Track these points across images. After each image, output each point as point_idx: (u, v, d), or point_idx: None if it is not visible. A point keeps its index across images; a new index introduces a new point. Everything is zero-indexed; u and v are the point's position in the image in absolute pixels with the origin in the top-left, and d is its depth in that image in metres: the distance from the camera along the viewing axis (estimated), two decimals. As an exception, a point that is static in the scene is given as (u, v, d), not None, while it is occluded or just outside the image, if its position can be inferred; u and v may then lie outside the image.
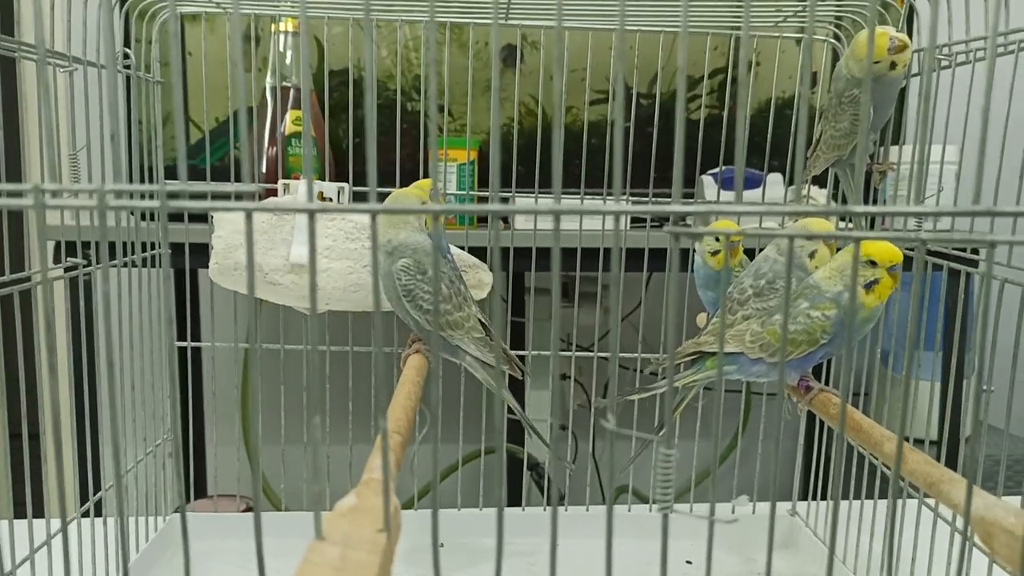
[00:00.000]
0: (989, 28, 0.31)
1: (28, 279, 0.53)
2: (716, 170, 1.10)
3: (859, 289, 0.52)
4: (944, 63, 0.61)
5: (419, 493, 1.30)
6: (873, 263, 0.51)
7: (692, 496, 0.80)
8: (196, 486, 1.27)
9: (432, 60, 0.28)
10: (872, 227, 0.79)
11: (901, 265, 0.52)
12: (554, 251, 0.27)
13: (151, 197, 0.27)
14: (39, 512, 0.54)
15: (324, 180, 0.78)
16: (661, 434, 0.30)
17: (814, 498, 0.77)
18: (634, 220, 1.11)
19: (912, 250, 0.60)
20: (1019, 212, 0.28)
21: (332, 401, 0.75)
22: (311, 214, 0.28)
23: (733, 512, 0.79)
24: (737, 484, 0.85)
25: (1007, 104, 0.57)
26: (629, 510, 0.81)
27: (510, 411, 0.70)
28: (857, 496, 0.68)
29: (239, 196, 0.28)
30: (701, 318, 0.72)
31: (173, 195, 0.27)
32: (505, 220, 1.19)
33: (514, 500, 1.29)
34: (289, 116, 1.06)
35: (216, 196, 0.29)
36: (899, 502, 0.59)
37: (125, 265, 0.64)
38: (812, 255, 0.59)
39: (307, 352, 0.75)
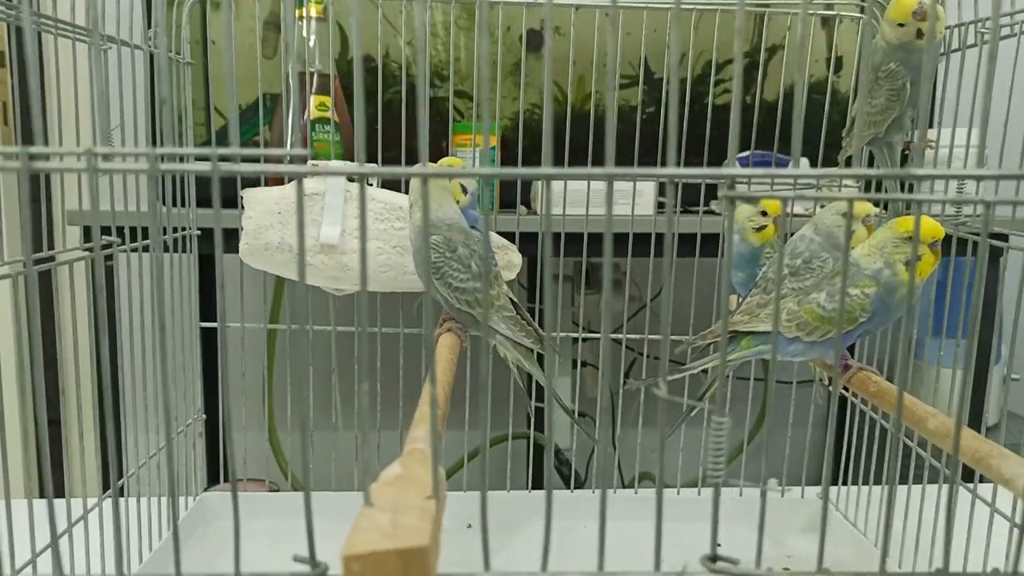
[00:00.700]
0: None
1: (53, 259, 0.53)
2: (745, 154, 1.09)
3: (899, 266, 0.51)
4: (954, 45, 0.60)
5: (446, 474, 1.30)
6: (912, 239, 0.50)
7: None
8: (223, 469, 1.28)
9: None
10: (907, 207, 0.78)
11: (940, 241, 0.51)
12: (607, 216, 0.27)
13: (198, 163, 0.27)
14: (60, 493, 0.54)
15: (352, 163, 0.78)
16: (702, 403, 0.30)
17: (844, 483, 0.76)
18: (660, 205, 1.10)
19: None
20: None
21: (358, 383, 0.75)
22: (363, 178, 0.28)
23: (763, 495, 0.78)
24: (766, 467, 0.84)
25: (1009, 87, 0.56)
26: (636, 493, 0.81)
27: (538, 397, 0.70)
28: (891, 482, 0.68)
29: (291, 160, 0.27)
30: (732, 300, 0.71)
31: (224, 158, 0.27)
32: (527, 205, 1.19)
33: (536, 486, 1.29)
34: (313, 101, 1.06)
35: (268, 160, 0.28)
36: (946, 486, 0.58)
37: (150, 249, 0.64)
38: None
39: (356, 324, 0.75)
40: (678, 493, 0.82)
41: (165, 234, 0.66)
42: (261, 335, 1.33)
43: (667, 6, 0.76)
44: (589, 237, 0.80)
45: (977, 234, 0.61)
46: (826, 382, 0.65)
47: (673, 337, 0.79)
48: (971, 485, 0.55)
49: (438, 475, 0.31)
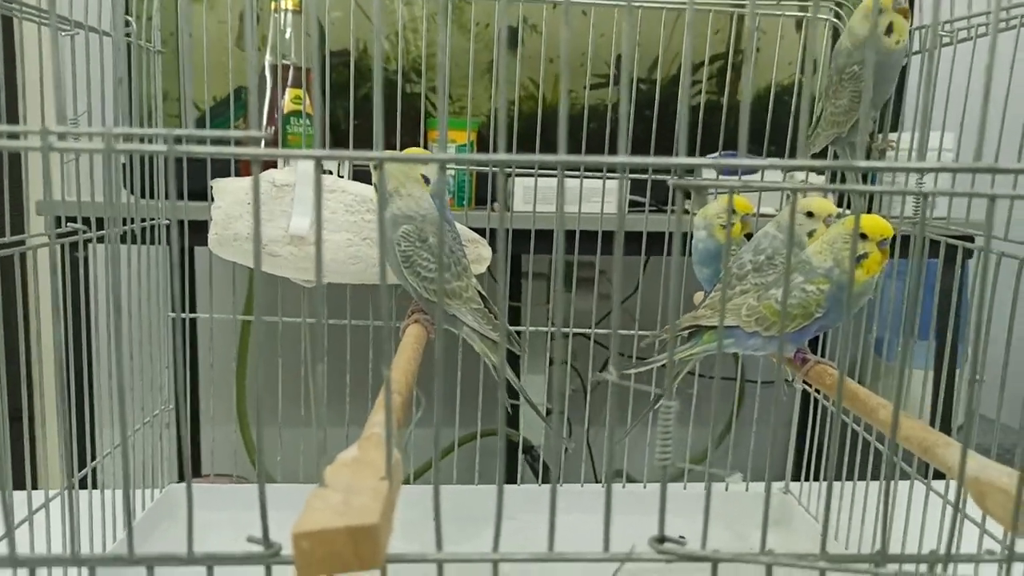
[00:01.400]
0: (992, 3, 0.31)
1: (23, 243, 0.53)
2: (715, 154, 1.11)
3: (847, 263, 0.52)
4: (946, 40, 0.61)
5: (416, 472, 1.31)
6: (864, 236, 0.51)
7: (686, 476, 0.80)
8: (192, 464, 1.27)
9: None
10: (870, 204, 0.79)
11: (890, 240, 0.52)
12: (558, 198, 0.27)
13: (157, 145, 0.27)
14: (32, 486, 0.54)
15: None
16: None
17: (807, 478, 0.77)
18: (632, 204, 1.11)
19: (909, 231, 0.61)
20: (1021, 169, 0.29)
21: (328, 377, 0.75)
22: (317, 161, 0.28)
23: (727, 489, 0.80)
24: (731, 464, 0.85)
25: (1007, 82, 0.57)
26: (624, 487, 0.82)
27: (509, 394, 0.70)
28: (851, 477, 0.69)
29: (237, 143, 0.28)
30: (698, 297, 0.72)
31: (178, 139, 0.27)
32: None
33: (509, 482, 1.30)
34: (288, 94, 1.06)
35: (221, 142, 0.29)
36: (893, 479, 0.59)
37: (124, 240, 0.64)
38: (811, 235, 0.59)
39: (309, 309, 0.75)
40: (644, 487, 0.82)
41: (132, 224, 0.66)
42: (234, 326, 1.32)
43: (646, 5, 0.77)
44: (570, 235, 0.80)
45: (948, 236, 0.62)
46: (789, 379, 0.66)
47: (641, 332, 0.80)
48: (932, 481, 0.56)
49: (392, 457, 0.31)
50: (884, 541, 0.30)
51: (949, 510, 0.53)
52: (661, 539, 0.31)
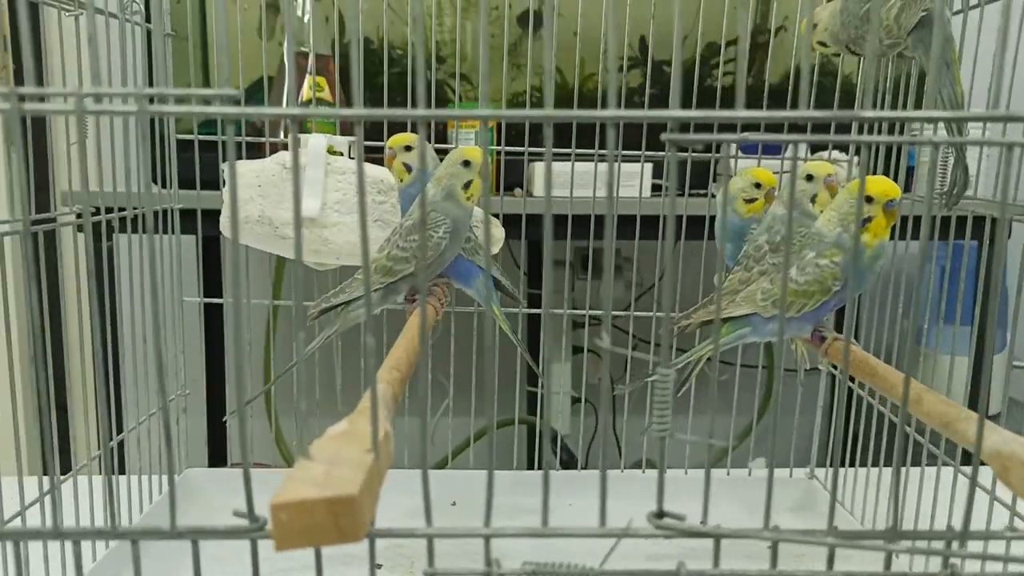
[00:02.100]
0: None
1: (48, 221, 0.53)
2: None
3: (853, 227, 0.50)
4: (974, 2, 0.58)
5: (442, 460, 1.31)
6: (869, 199, 0.49)
7: (708, 463, 0.78)
8: (218, 452, 1.28)
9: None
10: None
11: (898, 201, 0.49)
12: (547, 156, 0.26)
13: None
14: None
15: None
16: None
17: (831, 464, 0.75)
18: (656, 188, 1.09)
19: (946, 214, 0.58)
20: None
21: (345, 362, 0.75)
22: (294, 120, 0.27)
23: (750, 474, 0.78)
24: (756, 450, 0.83)
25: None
26: (643, 472, 0.80)
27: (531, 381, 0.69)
28: (877, 462, 0.67)
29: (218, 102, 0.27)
30: (719, 278, 0.70)
31: (152, 99, 0.26)
32: (523, 187, 1.18)
33: (532, 467, 1.29)
34: (306, 82, 1.05)
35: (200, 101, 0.28)
36: (906, 452, 0.57)
37: (137, 227, 0.65)
38: (813, 200, 0.57)
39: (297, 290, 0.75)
40: (686, 473, 0.80)
41: (142, 209, 0.66)
42: (264, 313, 1.33)
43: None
44: (587, 220, 0.79)
45: (979, 216, 0.59)
46: (807, 366, 0.64)
47: (658, 314, 0.79)
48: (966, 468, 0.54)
49: (380, 431, 0.30)
50: (896, 517, 0.29)
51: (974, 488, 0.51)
52: (660, 514, 0.30)
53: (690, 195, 0.84)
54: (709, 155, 1.09)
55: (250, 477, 0.29)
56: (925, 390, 0.40)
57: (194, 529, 0.29)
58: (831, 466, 0.75)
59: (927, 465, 0.58)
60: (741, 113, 0.27)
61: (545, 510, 0.30)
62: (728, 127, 0.57)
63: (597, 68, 1.29)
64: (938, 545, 0.29)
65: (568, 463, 1.37)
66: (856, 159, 0.86)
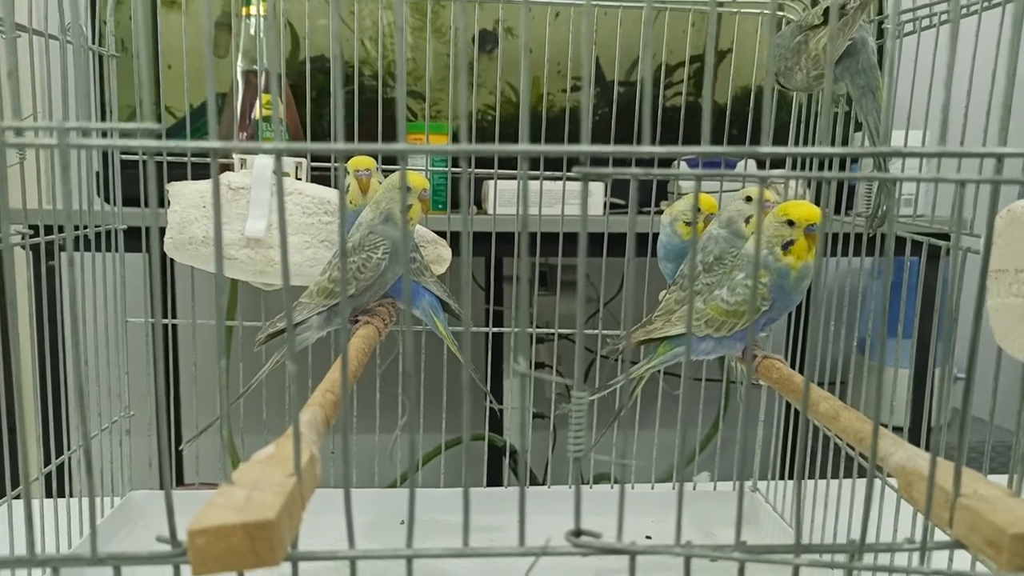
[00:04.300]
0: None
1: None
2: (691, 154, 1.10)
3: (777, 250, 0.52)
4: (908, 29, 0.61)
5: (400, 478, 1.30)
6: (791, 223, 0.51)
7: (653, 475, 0.80)
8: (175, 473, 1.26)
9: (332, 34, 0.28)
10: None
11: (819, 225, 0.51)
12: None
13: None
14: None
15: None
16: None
17: (773, 477, 0.77)
18: (614, 206, 1.11)
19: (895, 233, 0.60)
20: (988, 153, 0.28)
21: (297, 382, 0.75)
22: (216, 153, 0.28)
23: (695, 488, 0.79)
24: (700, 464, 0.85)
25: (970, 68, 0.56)
26: (591, 488, 0.81)
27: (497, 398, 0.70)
28: (822, 476, 0.68)
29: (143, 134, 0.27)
30: (663, 294, 0.72)
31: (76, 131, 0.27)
32: (478, 204, 1.19)
33: (495, 484, 1.29)
34: (261, 100, 1.05)
35: (124, 135, 0.28)
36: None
37: (79, 245, 0.64)
38: (748, 220, 0.59)
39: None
40: (632, 487, 0.81)
41: (85, 229, 0.66)
42: (214, 332, 1.31)
43: (616, 5, 0.77)
44: (544, 237, 0.80)
45: (918, 234, 0.60)
46: (743, 368, 0.65)
47: (604, 332, 0.80)
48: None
49: (303, 454, 0.30)
50: (798, 531, 0.30)
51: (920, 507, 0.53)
52: (577, 532, 0.30)
53: (639, 212, 0.86)
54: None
55: (172, 503, 0.29)
56: (843, 407, 0.41)
57: (116, 556, 0.29)
58: (772, 479, 0.77)
59: (858, 478, 0.60)
60: (645, 149, 0.28)
61: (466, 531, 0.31)
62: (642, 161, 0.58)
63: (557, 88, 1.31)
64: (841, 558, 0.30)
65: (531, 480, 1.37)
66: (794, 183, 0.89)
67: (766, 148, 0.27)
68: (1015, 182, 0.27)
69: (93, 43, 0.67)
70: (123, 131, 0.28)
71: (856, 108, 0.58)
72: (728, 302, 0.54)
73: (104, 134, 0.28)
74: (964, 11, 0.57)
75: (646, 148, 0.28)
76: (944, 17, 0.60)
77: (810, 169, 0.73)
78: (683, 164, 1.12)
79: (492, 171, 0.80)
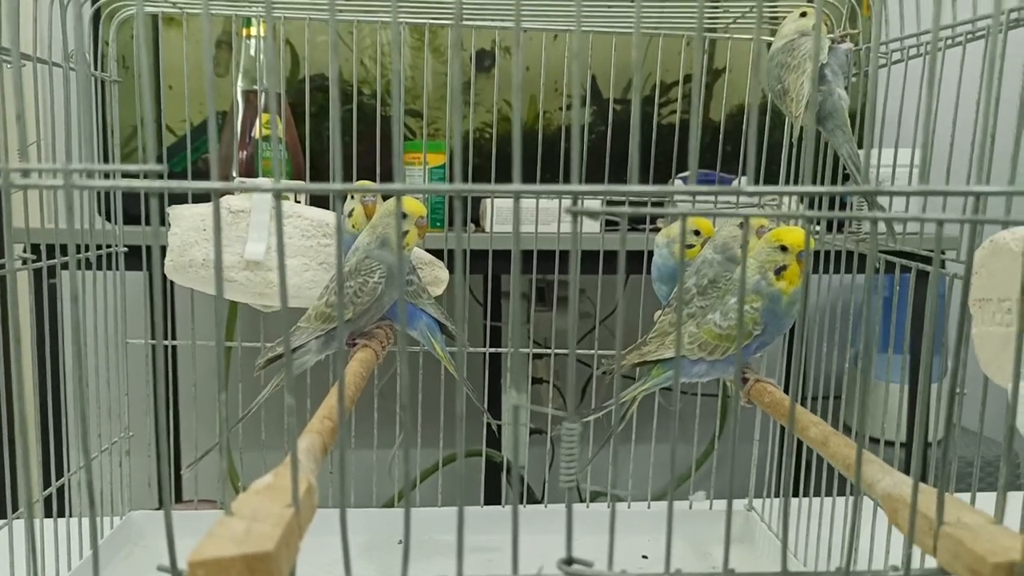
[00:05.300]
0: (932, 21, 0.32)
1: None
2: (686, 173, 1.11)
3: (770, 275, 0.53)
4: (896, 57, 0.62)
5: (398, 495, 1.30)
6: (784, 248, 0.52)
7: (650, 492, 0.80)
8: (175, 490, 1.27)
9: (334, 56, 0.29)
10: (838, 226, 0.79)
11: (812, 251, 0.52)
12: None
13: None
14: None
15: (290, 181, 0.78)
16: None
17: (769, 495, 0.77)
18: (609, 223, 1.12)
19: (888, 252, 0.61)
20: (969, 191, 0.29)
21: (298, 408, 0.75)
22: (215, 194, 0.29)
23: (691, 507, 0.80)
24: (696, 482, 0.85)
25: (955, 98, 0.58)
26: (587, 507, 0.82)
27: (495, 415, 0.71)
28: (817, 493, 0.69)
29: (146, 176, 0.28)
30: (658, 314, 0.73)
31: (79, 172, 0.28)
32: (476, 222, 1.20)
33: (492, 503, 1.30)
34: (261, 119, 1.06)
35: (127, 175, 0.29)
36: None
37: (80, 266, 0.65)
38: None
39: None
40: (629, 507, 0.81)
41: (88, 251, 0.66)
42: (214, 353, 1.32)
43: (612, 31, 0.78)
44: (541, 255, 0.81)
45: (908, 255, 0.62)
46: (736, 391, 0.66)
47: (601, 352, 0.81)
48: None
49: (299, 484, 0.31)
50: (784, 558, 0.30)
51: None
52: (569, 560, 0.31)
53: (634, 230, 0.87)
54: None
55: (172, 532, 0.30)
56: (832, 433, 0.42)
57: (117, 585, 0.30)
58: (768, 497, 0.77)
59: (851, 495, 0.61)
60: (636, 188, 0.29)
61: (460, 561, 0.31)
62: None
63: (553, 107, 1.32)
64: (827, 586, 0.31)
65: (530, 497, 1.38)
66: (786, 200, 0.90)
67: (752, 188, 0.28)
68: (993, 222, 0.28)
69: (96, 69, 0.68)
70: (126, 172, 0.28)
71: (830, 142, 0.60)
72: (721, 326, 0.54)
73: (107, 175, 0.29)
74: (949, 41, 0.59)
75: (636, 187, 0.29)
76: (930, 47, 0.62)
77: (801, 201, 0.74)
78: (678, 182, 1.14)
79: (490, 186, 0.81)
